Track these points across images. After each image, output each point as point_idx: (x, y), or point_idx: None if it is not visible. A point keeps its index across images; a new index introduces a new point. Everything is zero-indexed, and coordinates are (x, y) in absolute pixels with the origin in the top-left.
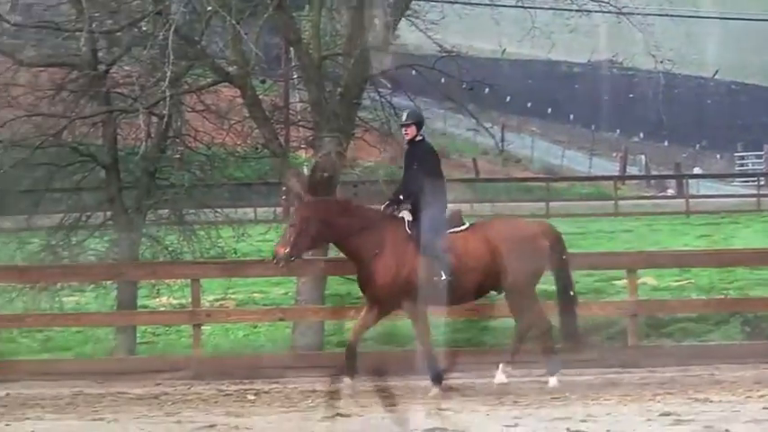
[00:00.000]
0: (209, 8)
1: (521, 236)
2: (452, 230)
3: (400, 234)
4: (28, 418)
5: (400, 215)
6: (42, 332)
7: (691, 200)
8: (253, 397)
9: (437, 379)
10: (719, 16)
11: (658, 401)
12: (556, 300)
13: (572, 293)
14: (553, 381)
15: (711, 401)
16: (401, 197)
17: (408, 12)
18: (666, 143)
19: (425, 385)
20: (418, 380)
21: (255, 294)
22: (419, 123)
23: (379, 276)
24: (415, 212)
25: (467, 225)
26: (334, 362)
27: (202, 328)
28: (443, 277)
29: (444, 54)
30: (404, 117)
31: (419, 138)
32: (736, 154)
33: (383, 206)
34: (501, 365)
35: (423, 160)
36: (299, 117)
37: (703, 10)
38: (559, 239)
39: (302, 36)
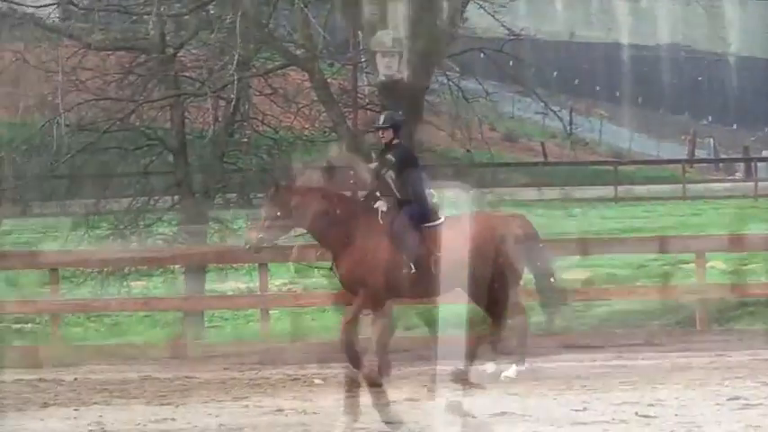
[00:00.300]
0: None
1: (491, 228)
2: (427, 225)
3: (372, 225)
4: (96, 403)
5: (375, 206)
6: (110, 317)
7: (759, 183)
8: (320, 381)
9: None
10: None
11: (726, 386)
12: (536, 290)
13: (553, 281)
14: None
15: None
16: (378, 194)
17: None
18: (735, 126)
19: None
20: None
21: (324, 278)
22: (396, 127)
23: (346, 266)
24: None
25: (442, 219)
26: (402, 346)
27: (270, 312)
28: (411, 270)
29: (513, 37)
30: (381, 120)
31: (396, 141)
32: None
33: (362, 199)
34: (515, 365)
35: (400, 164)
36: (366, 100)
37: None
38: (531, 230)
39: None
